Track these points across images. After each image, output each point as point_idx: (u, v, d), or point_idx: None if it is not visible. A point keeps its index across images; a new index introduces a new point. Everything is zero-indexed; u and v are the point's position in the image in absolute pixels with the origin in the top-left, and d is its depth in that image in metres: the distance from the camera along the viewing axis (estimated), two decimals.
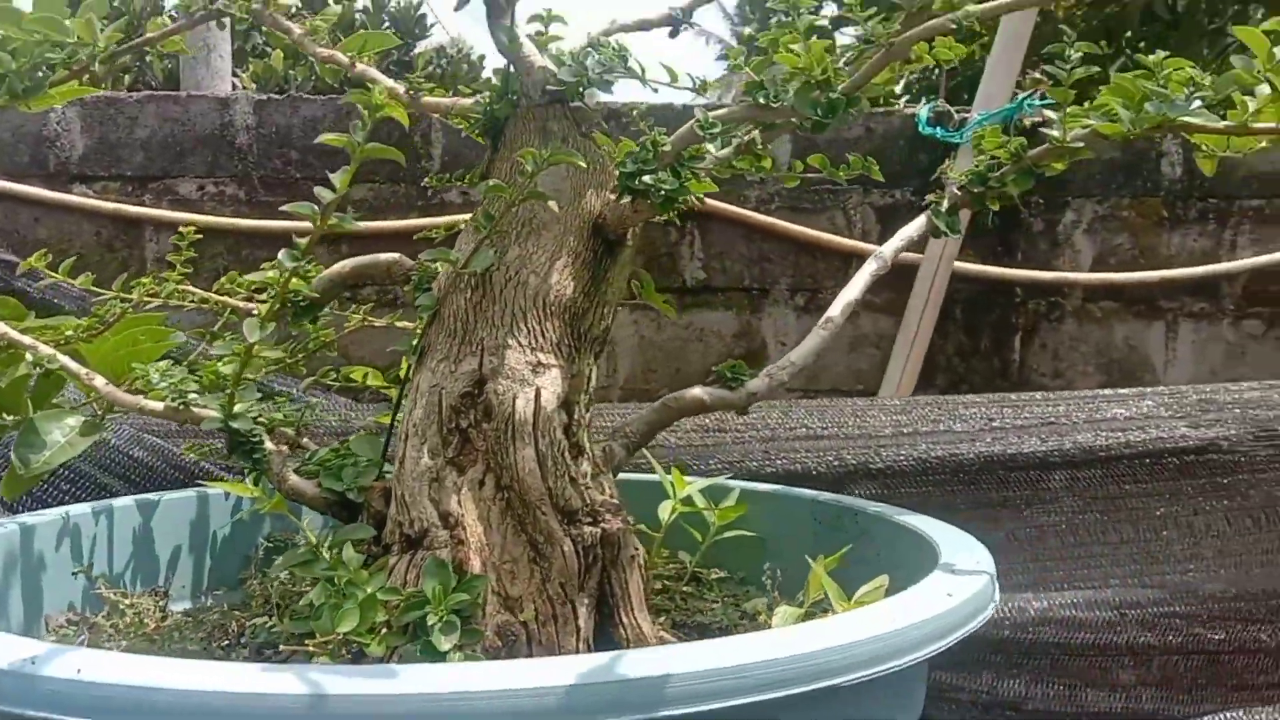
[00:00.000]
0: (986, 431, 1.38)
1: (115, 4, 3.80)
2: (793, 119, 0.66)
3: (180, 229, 0.93)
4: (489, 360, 0.70)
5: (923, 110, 2.32)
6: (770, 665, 0.41)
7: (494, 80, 0.74)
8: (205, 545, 0.87)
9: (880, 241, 2.40)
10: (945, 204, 0.94)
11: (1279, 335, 2.44)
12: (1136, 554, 1.33)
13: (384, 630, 0.65)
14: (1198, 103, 0.78)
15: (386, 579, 0.67)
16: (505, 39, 0.72)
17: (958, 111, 2.30)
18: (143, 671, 0.42)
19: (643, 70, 0.69)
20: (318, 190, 0.55)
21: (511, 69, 0.73)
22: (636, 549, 0.73)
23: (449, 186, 2.39)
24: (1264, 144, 0.86)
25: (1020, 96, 2.18)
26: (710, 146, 0.67)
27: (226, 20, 1.01)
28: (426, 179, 0.85)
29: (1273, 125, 0.78)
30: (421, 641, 0.63)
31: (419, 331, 0.73)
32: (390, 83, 0.83)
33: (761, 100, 0.65)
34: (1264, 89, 0.78)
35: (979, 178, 0.93)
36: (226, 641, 0.74)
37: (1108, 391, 1.50)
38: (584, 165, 0.68)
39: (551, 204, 0.67)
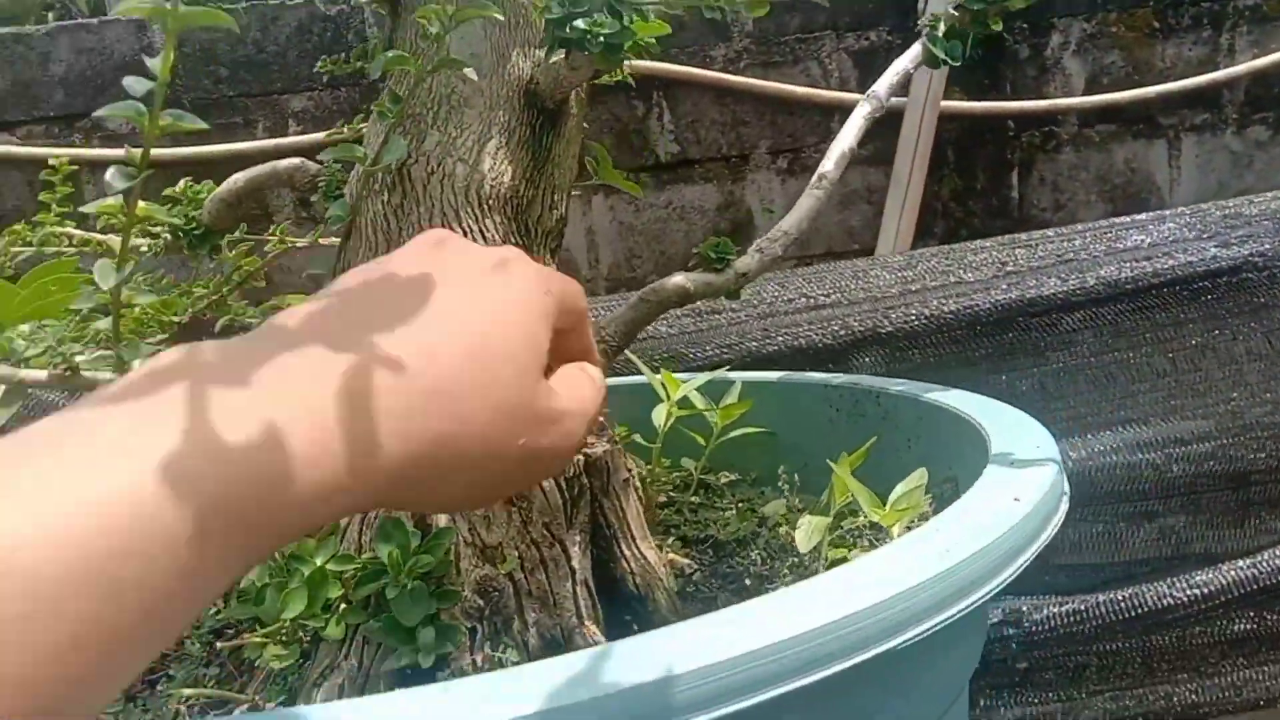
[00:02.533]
0: (1000, 278, 1.27)
1: None
2: None
3: (51, 162, 0.80)
4: None
5: None
6: (805, 640, 0.31)
7: None
8: None
9: (861, 90, 2.25)
10: (942, 28, 0.81)
11: None
12: (1175, 388, 1.24)
13: (342, 607, 0.55)
14: None
15: (339, 545, 0.57)
16: None
17: None
18: None
19: None
20: (127, 81, 0.42)
21: None
22: (630, 470, 0.63)
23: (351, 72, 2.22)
24: None
25: None
26: None
27: None
28: (319, 64, 0.72)
29: None
30: (385, 619, 0.53)
31: (337, 249, 0.61)
32: None
33: None
34: None
35: None
36: None
37: (1125, 219, 1.38)
38: (502, 18, 0.55)
39: (468, 72, 0.54)
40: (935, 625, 0.34)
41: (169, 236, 0.64)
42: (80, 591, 0.25)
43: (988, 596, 0.36)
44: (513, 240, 0.60)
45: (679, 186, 2.26)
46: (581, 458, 0.59)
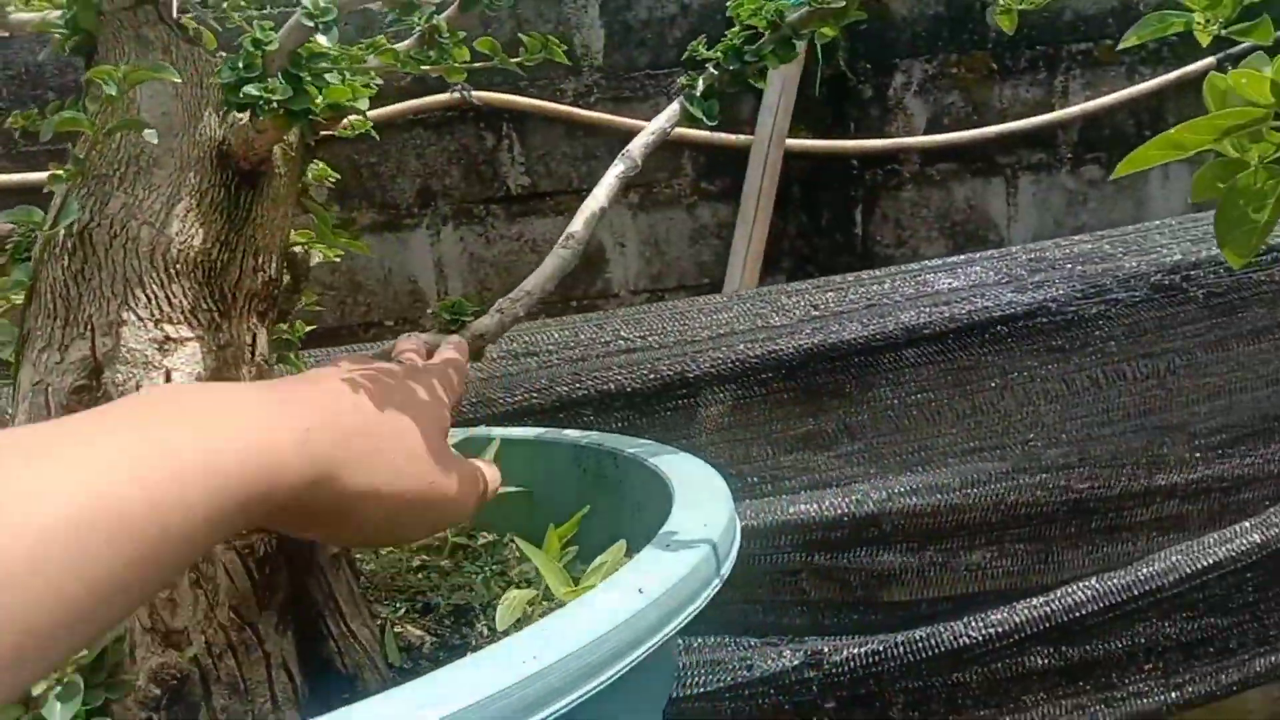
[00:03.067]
0: (806, 322, 1.29)
1: None
2: None
3: None
4: (102, 342, 0.55)
5: None
6: None
7: None
8: None
9: (709, 126, 2.27)
10: (700, 86, 0.81)
11: (1117, 178, 2.41)
12: (975, 429, 1.27)
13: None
14: None
15: None
16: None
17: None
18: None
19: None
20: None
21: None
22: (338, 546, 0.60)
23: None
24: None
25: None
26: (323, 39, 0.52)
27: None
28: (9, 120, 0.69)
29: None
30: (32, 715, 0.49)
31: (18, 318, 0.58)
32: None
33: None
34: None
35: (734, 52, 0.80)
36: None
37: (935, 261, 1.42)
38: (179, 80, 0.53)
39: (148, 134, 0.52)
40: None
41: None
42: None
43: (579, 701, 0.35)
44: (204, 305, 0.57)
45: (530, 219, 2.25)
46: (274, 537, 0.57)
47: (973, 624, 1.19)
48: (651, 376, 1.23)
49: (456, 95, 2.09)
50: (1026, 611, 1.22)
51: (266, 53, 0.52)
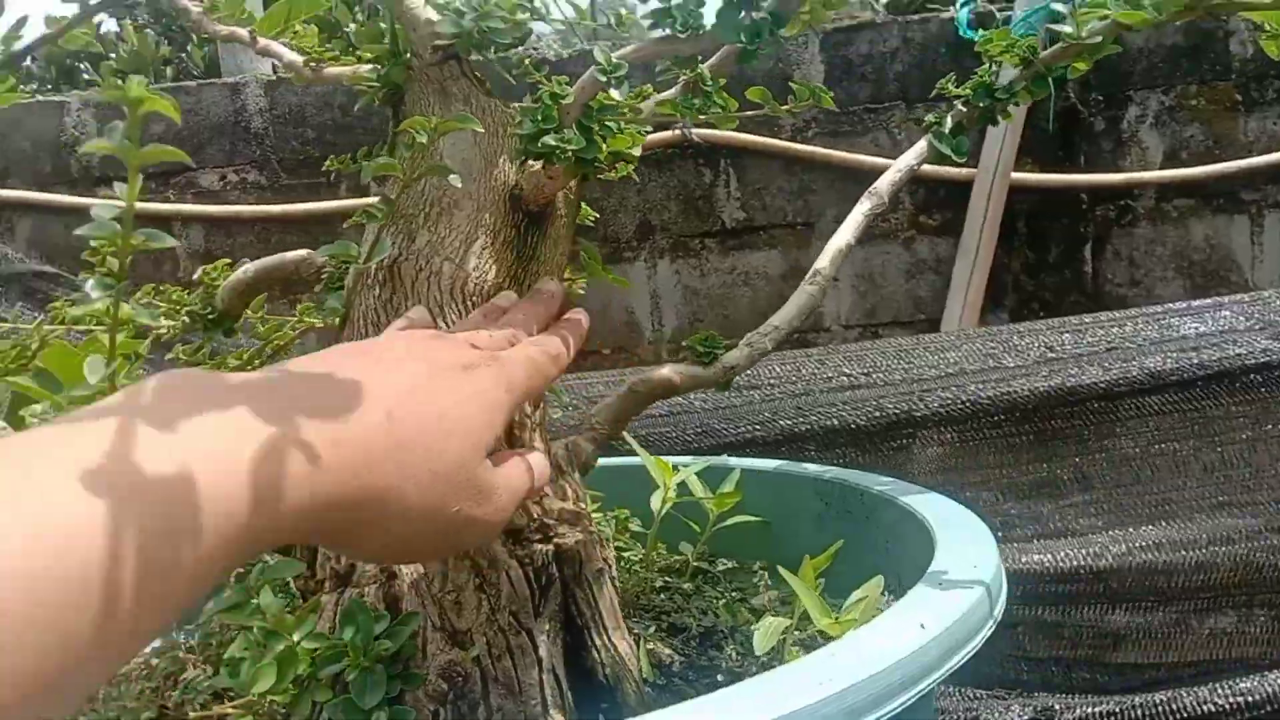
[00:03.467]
0: (1042, 364, 1.26)
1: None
2: (711, 48, 0.55)
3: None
4: None
5: (962, 12, 2.14)
6: None
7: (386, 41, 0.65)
8: None
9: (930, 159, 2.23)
10: (949, 124, 0.82)
11: None
12: (1223, 483, 1.20)
13: (311, 684, 0.57)
14: None
15: (316, 622, 0.60)
16: None
17: (1000, 10, 2.12)
18: None
19: (545, 9, 0.58)
20: (95, 210, 0.46)
21: (396, 27, 0.63)
22: (605, 561, 0.64)
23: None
24: None
25: None
26: (615, 93, 0.56)
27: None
28: (327, 162, 0.76)
29: None
30: (344, 700, 0.55)
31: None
32: (292, 55, 0.74)
33: (670, 31, 0.54)
34: None
35: (985, 90, 0.80)
36: (171, 692, 0.68)
37: (1180, 305, 1.35)
38: (482, 130, 0.58)
39: (452, 179, 0.57)
40: None
41: (187, 319, 0.68)
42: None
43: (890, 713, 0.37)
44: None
45: (744, 253, 2.28)
46: (552, 547, 0.61)
47: (1219, 691, 1.12)
48: (877, 414, 1.22)
49: (678, 133, 2.15)
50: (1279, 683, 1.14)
51: (562, 106, 0.56)
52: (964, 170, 2.20)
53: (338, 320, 0.64)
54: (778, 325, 0.73)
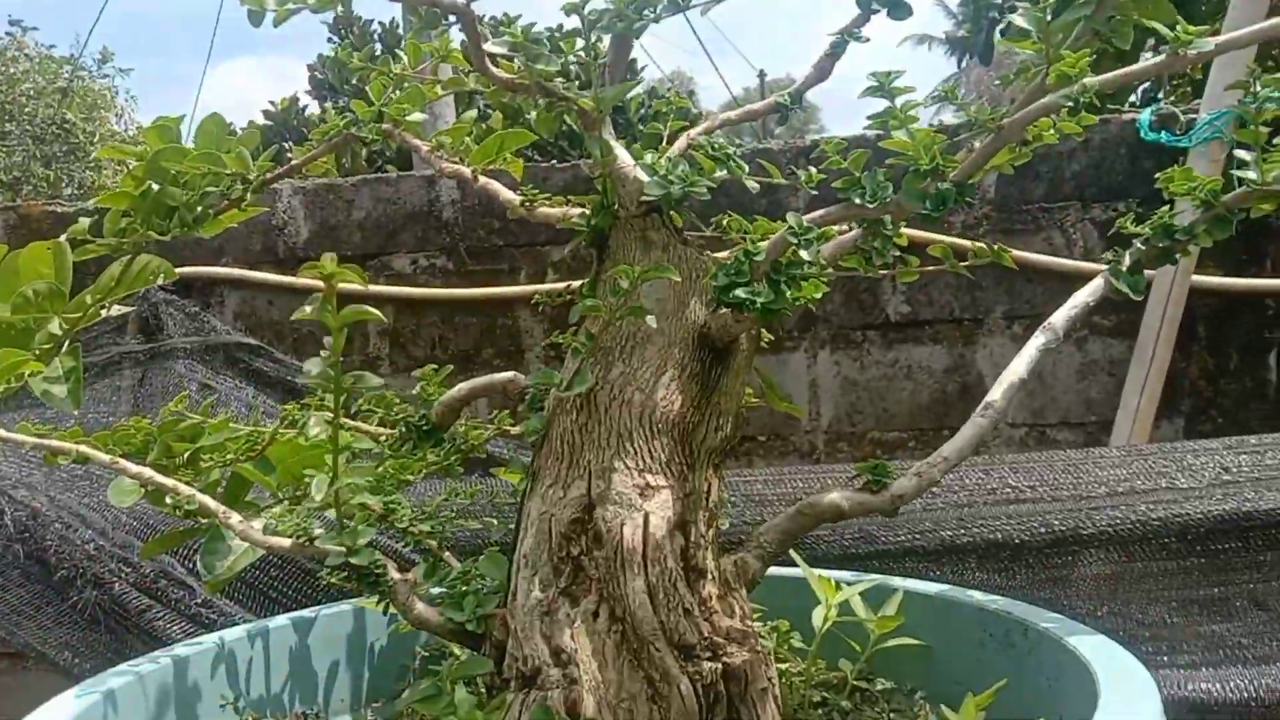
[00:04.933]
0: (1218, 486, 1.22)
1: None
2: (896, 212, 0.60)
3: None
4: (597, 484, 0.67)
5: (1145, 114, 2.11)
6: None
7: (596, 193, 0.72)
8: (363, 658, 0.89)
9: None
10: (1127, 261, 0.83)
11: None
12: None
13: None
14: None
15: (504, 718, 0.66)
16: (599, 152, 0.69)
17: (1184, 113, 2.08)
18: None
19: (742, 170, 0.64)
20: (306, 366, 0.54)
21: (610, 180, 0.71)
22: (770, 680, 0.68)
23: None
24: None
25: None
26: (805, 254, 0.61)
27: (451, 113, 1.02)
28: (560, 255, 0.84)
29: None
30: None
31: (531, 457, 0.72)
32: (509, 195, 0.83)
33: (858, 200, 0.59)
34: None
35: (1164, 230, 0.82)
36: None
37: None
38: (679, 279, 0.64)
39: (650, 319, 0.64)
40: None
41: (404, 429, 0.77)
42: None
43: None
44: (676, 458, 0.68)
45: (907, 345, 2.28)
46: (721, 665, 0.65)
47: None
48: (1042, 530, 1.22)
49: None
50: None
51: (754, 262, 0.62)
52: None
53: (536, 440, 0.70)
54: (947, 456, 0.76)
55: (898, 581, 0.86)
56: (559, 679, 0.65)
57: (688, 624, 0.65)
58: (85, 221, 0.95)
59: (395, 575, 0.72)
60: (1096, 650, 0.63)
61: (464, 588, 0.73)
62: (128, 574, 1.35)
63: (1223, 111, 2.00)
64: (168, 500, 0.72)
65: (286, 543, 0.71)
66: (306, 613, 0.87)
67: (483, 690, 0.72)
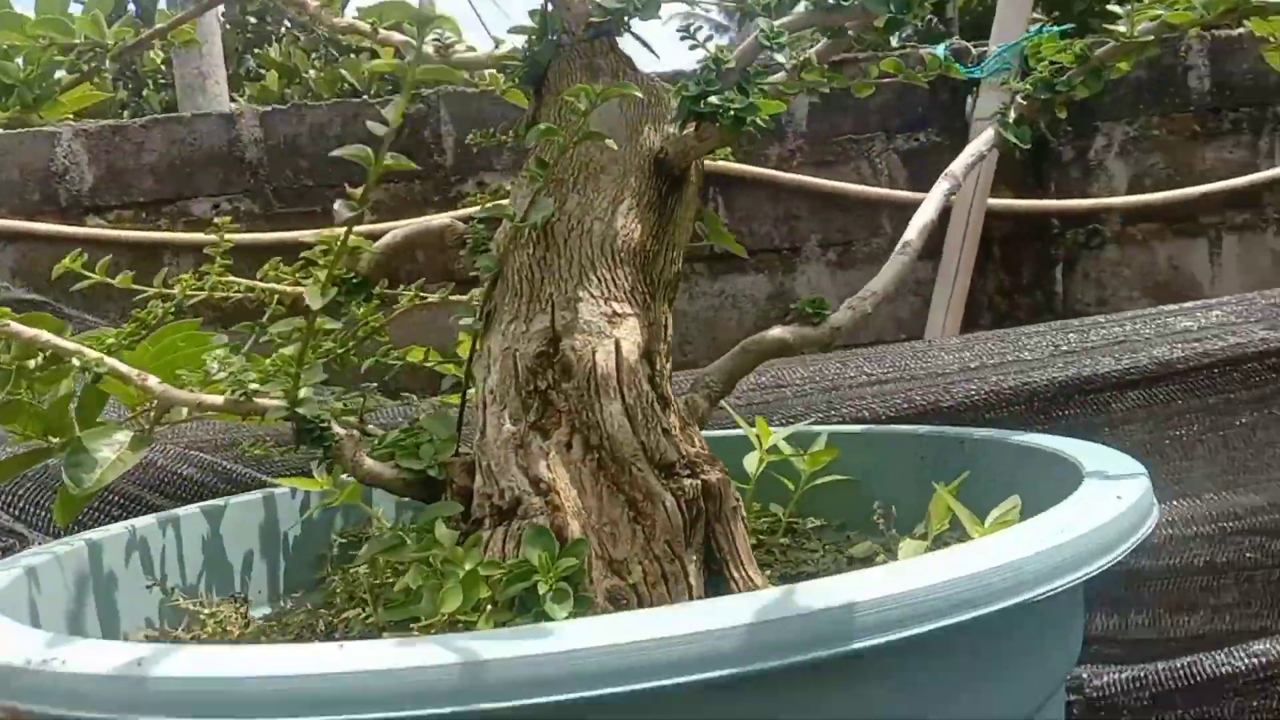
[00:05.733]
0: (1056, 357, 1.34)
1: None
2: (862, 18, 0.62)
3: (215, 220, 0.90)
4: (561, 316, 0.66)
5: (940, 49, 2.26)
6: (954, 586, 0.37)
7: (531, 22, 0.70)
8: (278, 547, 0.84)
9: (910, 187, 2.34)
10: (1013, 114, 0.89)
11: None
12: (1228, 464, 1.28)
13: (489, 607, 0.61)
14: None
15: (482, 554, 0.64)
16: None
17: (975, 47, 2.24)
18: (272, 660, 0.37)
19: None
20: (336, 206, 0.51)
21: (549, 7, 0.69)
22: (737, 500, 0.69)
23: (464, 180, 2.36)
24: None
25: (1034, 27, 2.12)
26: (779, 56, 0.62)
27: (219, 46, 0.96)
28: (469, 137, 0.81)
29: None
30: (534, 613, 0.59)
31: (483, 296, 0.69)
32: (424, 46, 0.79)
33: (822, 7, 0.60)
34: None
35: (1046, 83, 0.88)
36: (316, 640, 0.70)
37: (1173, 306, 1.45)
38: (640, 95, 0.64)
39: (609, 142, 0.63)
40: (1057, 587, 0.39)
41: (332, 285, 0.72)
42: None
43: (1096, 572, 0.42)
44: (639, 288, 0.68)
45: (732, 276, 2.35)
46: (699, 482, 0.66)
47: (1235, 654, 1.19)
48: (905, 405, 1.29)
49: None
50: None
51: (723, 70, 0.62)
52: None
53: (489, 278, 0.68)
54: (875, 291, 0.79)
55: (817, 428, 0.89)
56: (541, 506, 0.63)
57: (667, 443, 0.65)
58: None
59: (340, 431, 0.68)
60: (1052, 440, 0.68)
61: (414, 440, 0.70)
62: None
63: (1009, 45, 2.17)
64: (75, 365, 0.65)
65: (219, 400, 0.66)
66: (217, 502, 0.81)
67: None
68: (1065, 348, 1.36)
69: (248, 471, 1.24)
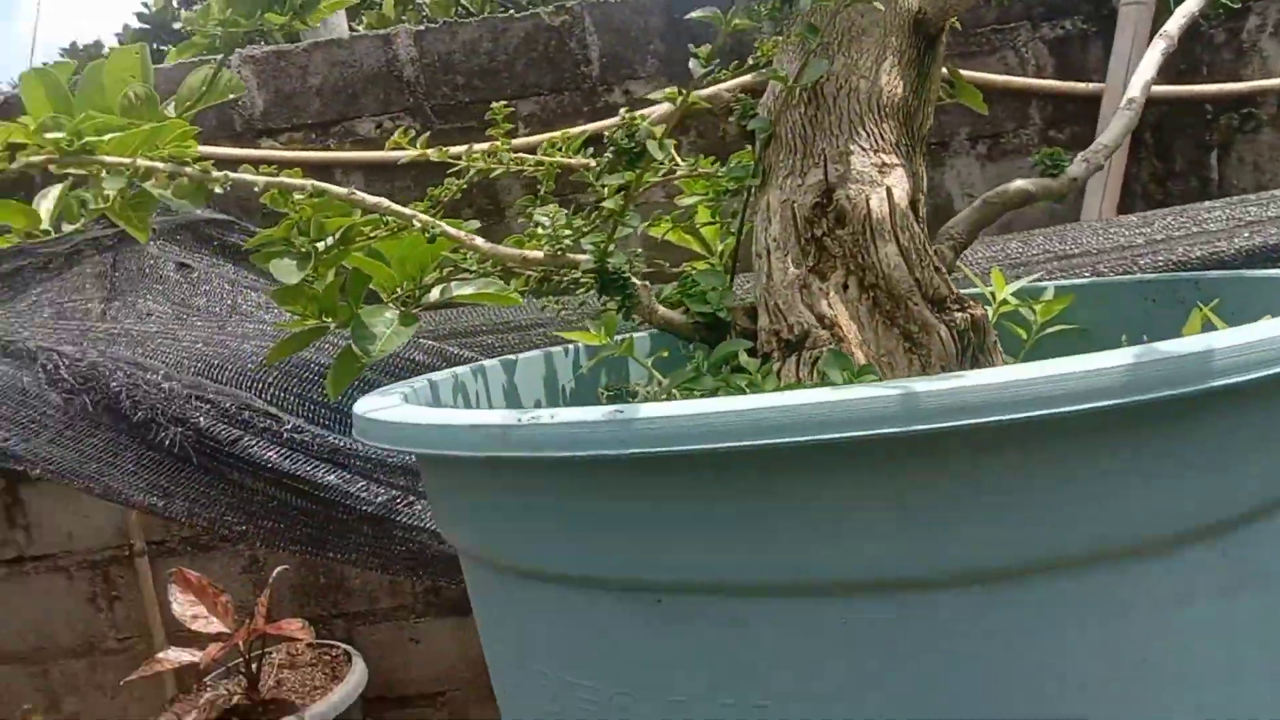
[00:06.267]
0: (1241, 227, 1.35)
1: None
2: None
3: (493, 106, 0.98)
4: (834, 169, 0.72)
5: None
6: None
7: None
8: (557, 395, 0.93)
9: (1058, 76, 2.31)
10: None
11: None
12: None
13: None
14: None
15: (777, 381, 0.71)
16: None
17: None
18: (753, 400, 0.46)
19: None
20: (691, 65, 0.58)
21: None
22: (996, 336, 0.75)
23: (610, 89, 2.42)
24: None
25: None
26: None
27: None
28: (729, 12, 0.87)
29: None
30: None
31: (756, 155, 0.76)
32: None
33: None
34: None
35: None
36: None
37: None
38: None
39: (876, 3, 0.68)
40: None
41: (611, 155, 0.80)
42: None
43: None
44: (903, 141, 0.74)
45: None
46: (969, 315, 0.72)
47: None
48: (1094, 277, 1.32)
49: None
50: None
51: None
52: (1091, 85, 2.27)
53: (762, 139, 0.75)
54: (1106, 144, 0.83)
55: (1044, 283, 0.94)
56: (828, 338, 0.71)
57: (939, 279, 0.72)
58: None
59: (637, 282, 0.76)
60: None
61: (699, 290, 0.78)
62: (208, 409, 1.35)
63: None
64: (414, 226, 0.74)
65: (539, 254, 0.74)
66: (510, 357, 0.91)
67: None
68: (1248, 219, 1.37)
69: (463, 353, 1.36)
